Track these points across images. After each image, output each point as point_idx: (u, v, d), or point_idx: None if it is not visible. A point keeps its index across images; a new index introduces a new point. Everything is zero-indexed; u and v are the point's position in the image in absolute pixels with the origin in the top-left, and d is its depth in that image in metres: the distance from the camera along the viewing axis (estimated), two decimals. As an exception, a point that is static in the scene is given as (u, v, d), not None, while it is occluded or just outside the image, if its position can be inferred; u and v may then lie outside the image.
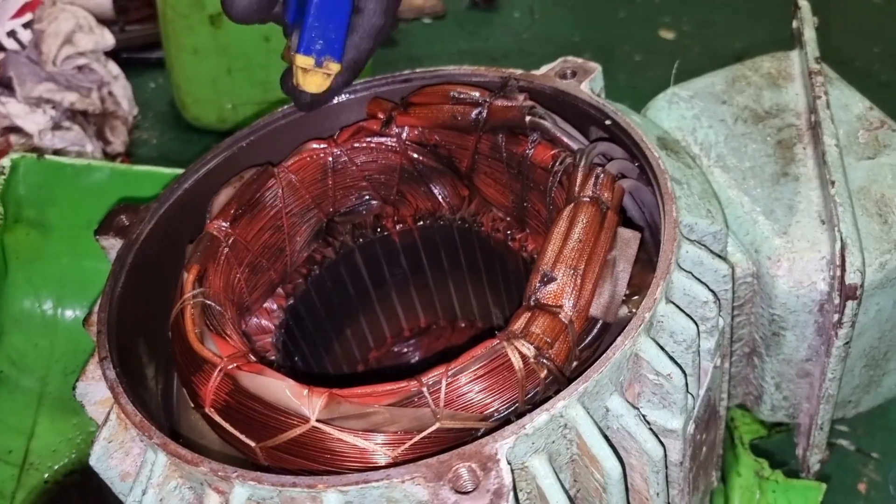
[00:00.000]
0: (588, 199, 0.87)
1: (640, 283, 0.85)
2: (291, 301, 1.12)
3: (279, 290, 1.11)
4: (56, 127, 1.90)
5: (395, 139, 1.12)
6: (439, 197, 1.16)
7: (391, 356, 1.30)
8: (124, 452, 0.85)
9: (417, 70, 1.14)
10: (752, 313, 1.00)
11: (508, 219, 1.11)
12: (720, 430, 1.02)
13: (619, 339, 0.75)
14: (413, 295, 1.28)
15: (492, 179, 1.11)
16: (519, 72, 1.09)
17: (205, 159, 1.06)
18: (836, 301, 0.89)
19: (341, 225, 1.17)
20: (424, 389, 0.77)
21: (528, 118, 1.01)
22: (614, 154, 0.97)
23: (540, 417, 0.71)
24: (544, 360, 0.78)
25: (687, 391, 0.79)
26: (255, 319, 1.07)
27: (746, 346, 1.04)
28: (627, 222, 0.93)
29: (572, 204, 0.87)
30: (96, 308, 0.94)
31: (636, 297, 0.85)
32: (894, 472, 1.29)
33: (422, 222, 1.18)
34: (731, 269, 0.87)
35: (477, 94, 1.06)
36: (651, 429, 0.77)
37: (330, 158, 1.11)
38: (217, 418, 0.84)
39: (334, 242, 1.17)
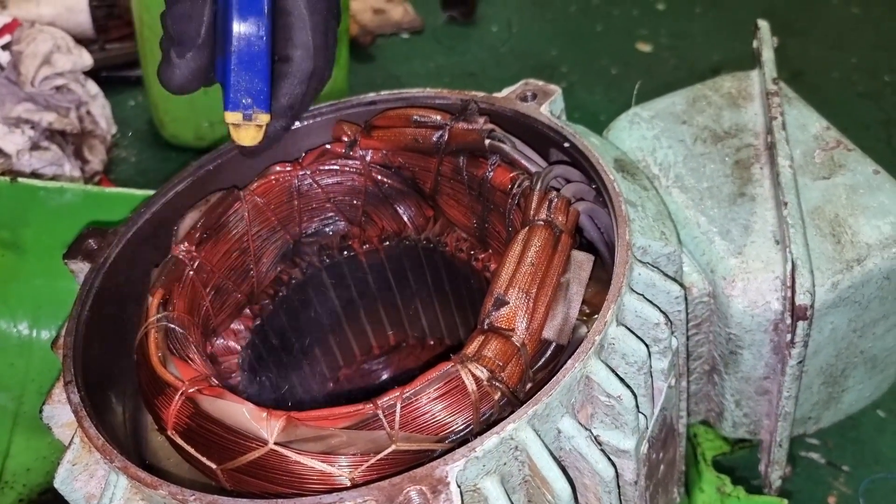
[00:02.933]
0: (542, 223, 0.88)
1: (598, 303, 0.87)
2: (258, 321, 1.13)
3: (246, 310, 1.12)
4: (34, 147, 1.91)
5: (359, 161, 1.14)
6: (404, 217, 1.18)
7: (361, 374, 1.31)
8: (89, 475, 0.87)
9: (382, 93, 1.16)
10: (710, 332, 1.01)
11: (471, 240, 1.13)
12: (680, 447, 1.04)
13: (569, 361, 0.77)
14: (382, 314, 1.29)
15: (454, 201, 1.13)
16: (481, 94, 1.11)
17: (172, 183, 1.08)
18: (788, 321, 0.91)
19: (308, 246, 1.18)
20: (380, 412, 0.79)
21: (487, 141, 1.03)
22: (571, 177, 0.99)
23: (490, 440, 0.72)
24: (497, 383, 0.79)
25: (638, 412, 0.81)
26: (222, 340, 1.08)
27: (706, 363, 1.05)
28: (587, 244, 0.95)
29: (527, 227, 0.89)
30: (63, 332, 0.95)
31: (596, 316, 0.86)
32: (864, 484, 1.31)
33: (388, 242, 1.19)
34: (684, 290, 0.89)
35: (438, 117, 1.08)
36: (602, 449, 0.79)
37: (295, 181, 1.13)
38: (179, 441, 0.85)
39: (301, 263, 1.18)
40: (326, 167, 1.14)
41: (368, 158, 1.13)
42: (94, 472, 0.87)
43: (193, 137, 2.08)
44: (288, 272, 1.17)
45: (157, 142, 2.17)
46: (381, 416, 0.79)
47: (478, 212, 1.10)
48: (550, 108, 1.09)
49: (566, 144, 1.02)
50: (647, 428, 0.86)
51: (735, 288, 0.95)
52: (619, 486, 0.82)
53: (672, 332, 0.87)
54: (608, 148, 1.05)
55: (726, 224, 1.01)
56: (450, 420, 0.80)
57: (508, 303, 0.81)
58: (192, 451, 0.85)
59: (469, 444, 0.72)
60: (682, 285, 0.89)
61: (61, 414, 0.93)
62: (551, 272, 0.85)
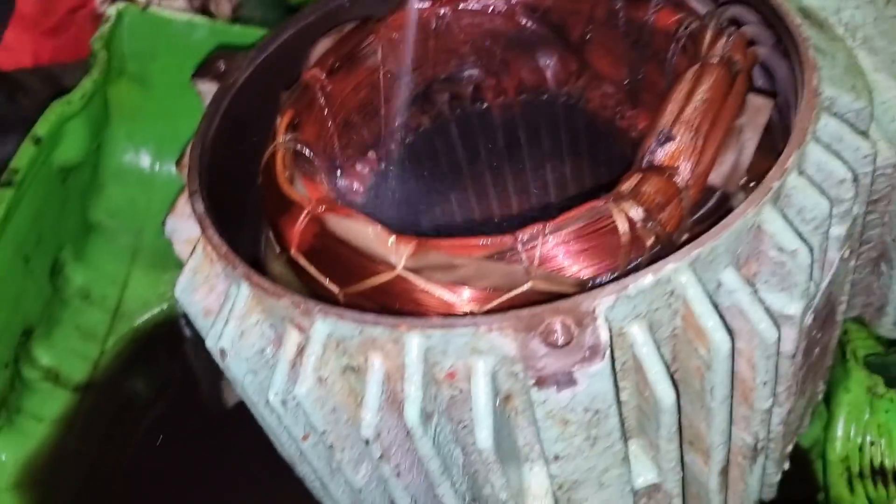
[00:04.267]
0: (716, 61, 0.78)
1: (759, 170, 0.77)
2: (383, 165, 1.08)
3: (370, 153, 1.06)
4: (162, -3, 1.90)
5: (503, 1, 1.04)
6: (546, 69, 1.08)
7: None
8: (209, 288, 0.84)
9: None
10: (886, 212, 0.89)
11: (619, 95, 1.03)
12: (835, 336, 0.94)
13: (741, 206, 0.68)
14: (507, 177, 1.22)
15: (605, 50, 1.02)
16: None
17: (304, 14, 1.02)
18: None
19: (439, 94, 1.11)
20: (519, 245, 0.72)
21: (653, -22, 0.92)
22: (747, 19, 0.87)
23: (645, 279, 0.65)
24: (653, 225, 0.71)
25: (811, 275, 0.71)
26: (345, 181, 1.03)
27: (875, 249, 0.94)
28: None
29: (698, 65, 0.79)
30: (188, 149, 0.92)
31: (752, 184, 0.76)
32: None
33: (524, 96, 1.11)
34: (874, 150, 0.77)
35: (602, -48, 0.97)
36: (767, 308, 0.70)
37: (433, 18, 1.05)
38: (302, 262, 0.82)
39: (431, 111, 1.11)
40: (468, 6, 1.05)
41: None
42: (215, 286, 0.85)
43: None
44: (417, 118, 1.10)
45: (283, 4, 2.12)
46: (521, 249, 0.72)
47: (631, 62, 1.00)
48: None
49: (744, -14, 0.90)
50: (816, 297, 0.76)
51: (931, 158, 0.83)
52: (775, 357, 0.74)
53: (856, 195, 0.76)
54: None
55: (922, 90, 0.87)
56: (593, 264, 0.73)
57: (674, 139, 0.72)
58: (314, 272, 0.81)
59: (622, 281, 0.65)
60: (873, 144, 0.77)
61: (184, 228, 0.90)
62: (724, 113, 0.75)
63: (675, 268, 0.65)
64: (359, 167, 1.05)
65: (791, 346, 0.75)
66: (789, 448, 0.93)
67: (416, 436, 0.69)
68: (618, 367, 0.70)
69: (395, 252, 0.76)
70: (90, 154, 1.27)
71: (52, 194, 1.20)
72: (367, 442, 0.72)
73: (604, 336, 0.63)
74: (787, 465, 0.96)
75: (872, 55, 0.94)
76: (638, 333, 0.67)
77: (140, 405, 1.26)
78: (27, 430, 1.16)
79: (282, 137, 0.89)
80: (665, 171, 0.72)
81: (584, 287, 0.73)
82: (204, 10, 1.97)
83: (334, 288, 0.80)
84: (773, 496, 0.97)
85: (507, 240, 0.73)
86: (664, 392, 0.67)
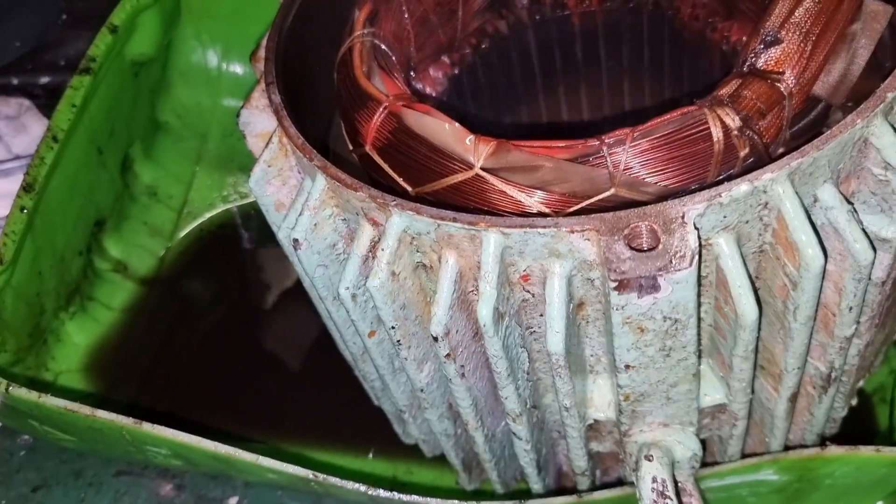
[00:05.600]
0: (834, -39, 0.72)
1: (863, 91, 0.72)
2: (456, 70, 1.05)
3: (444, 58, 1.03)
4: None
5: None
6: (634, -26, 1.03)
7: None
8: (282, 181, 0.84)
9: None
10: None
11: (713, 4, 0.98)
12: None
13: (850, 116, 0.63)
14: (581, 92, 1.17)
15: (701, -44, 0.97)
16: None
17: None
18: None
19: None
20: (605, 148, 0.70)
21: None
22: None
23: (740, 187, 0.62)
24: (750, 133, 0.67)
25: (916, 194, 0.67)
26: (419, 84, 1.01)
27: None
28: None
29: (813, -35, 0.73)
30: (264, 41, 0.90)
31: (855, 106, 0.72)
32: None
33: (609, 3, 1.06)
34: None
35: None
36: (863, 229, 0.66)
37: (520, -86, 1.00)
38: (376, 158, 0.80)
39: (508, 16, 1.07)
40: None
41: None
42: (288, 179, 0.84)
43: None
44: (494, 23, 1.06)
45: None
46: (606, 152, 0.69)
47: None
48: None
49: None
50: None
51: None
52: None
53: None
54: None
55: None
56: (681, 172, 0.69)
57: (782, 42, 0.68)
58: (388, 169, 0.79)
59: (715, 188, 0.62)
60: None
61: (258, 121, 0.89)
62: (837, 17, 0.70)
63: (772, 177, 0.62)
64: (432, 71, 1.03)
65: (883, 273, 0.72)
66: (861, 383, 0.91)
67: (487, 335, 0.68)
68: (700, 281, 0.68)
69: (475, 151, 0.74)
70: (161, 50, 1.27)
71: (125, 87, 1.20)
72: (435, 339, 0.71)
73: (692, 242, 0.60)
74: (854, 402, 0.94)
75: None
76: (725, 245, 0.64)
77: (201, 302, 1.29)
78: (98, 317, 1.20)
79: (360, 31, 0.87)
80: (769, 76, 0.68)
81: (669, 196, 0.70)
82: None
83: (407, 186, 0.79)
84: (836, 432, 0.95)
85: (592, 142, 0.70)
86: (747, 307, 0.65)
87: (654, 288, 0.60)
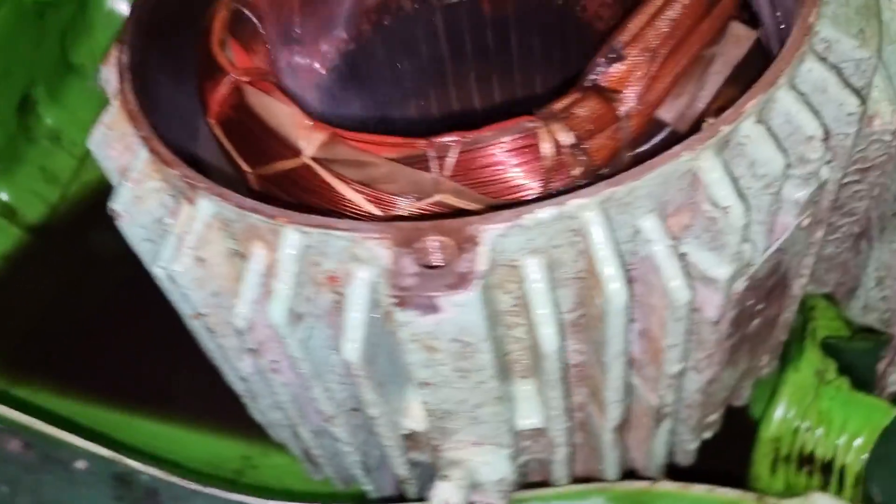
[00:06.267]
0: (702, -24, 0.68)
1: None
2: (352, 46, 1.00)
3: (339, 31, 0.99)
4: None
5: None
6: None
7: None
8: (124, 146, 0.80)
9: None
10: (876, 184, 0.80)
11: (617, 5, 0.93)
12: (788, 310, 0.86)
13: (677, 147, 0.59)
14: (494, 82, 1.13)
15: (610, -48, 0.92)
16: None
17: None
18: None
19: (429, -24, 1.02)
20: (432, 151, 0.66)
21: None
22: (763, -62, 0.76)
23: (545, 211, 0.58)
24: (579, 154, 0.63)
25: (745, 237, 0.64)
26: (304, 59, 0.96)
27: (858, 224, 0.84)
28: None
29: (681, -21, 0.69)
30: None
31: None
32: None
33: (519, -10, 1.01)
34: (864, 108, 0.67)
35: None
36: (685, 267, 0.63)
37: None
38: (218, 132, 0.76)
39: (415, -7, 1.02)
40: None
41: None
42: (131, 146, 0.80)
43: None
44: (398, 2, 1.02)
45: None
46: (434, 156, 0.66)
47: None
48: None
49: None
50: (753, 264, 0.68)
51: (931, 131, 0.72)
52: (690, 320, 0.67)
53: (828, 158, 0.67)
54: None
55: (953, 52, 0.76)
56: (511, 184, 0.66)
57: (625, 59, 0.63)
58: (229, 146, 0.76)
59: (517, 209, 0.58)
60: (862, 101, 0.67)
61: (116, 79, 0.85)
62: (694, 38, 0.65)
63: (581, 204, 0.58)
64: (324, 46, 0.98)
65: (714, 313, 0.68)
66: (712, 417, 0.87)
67: (281, 335, 0.65)
68: (512, 302, 0.64)
69: (307, 138, 0.70)
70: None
71: (24, 28, 1.15)
72: (239, 333, 0.68)
73: (480, 265, 0.56)
74: (707, 434, 0.91)
75: (908, 2, 0.82)
76: (531, 268, 0.61)
77: (93, 257, 1.25)
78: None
79: (228, -4, 0.82)
80: (606, 95, 0.64)
81: (498, 209, 0.67)
82: None
83: (247, 167, 0.75)
84: (692, 462, 0.92)
85: (419, 144, 0.66)
86: (546, 336, 0.61)
87: (435, 309, 0.56)
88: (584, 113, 0.63)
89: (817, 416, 0.91)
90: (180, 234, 0.68)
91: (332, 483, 0.94)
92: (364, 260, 0.62)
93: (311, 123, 0.70)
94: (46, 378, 1.13)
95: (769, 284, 0.75)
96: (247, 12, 0.82)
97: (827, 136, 0.64)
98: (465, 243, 0.57)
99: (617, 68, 0.64)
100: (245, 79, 0.75)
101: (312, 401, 0.74)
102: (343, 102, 1.01)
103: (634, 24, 0.65)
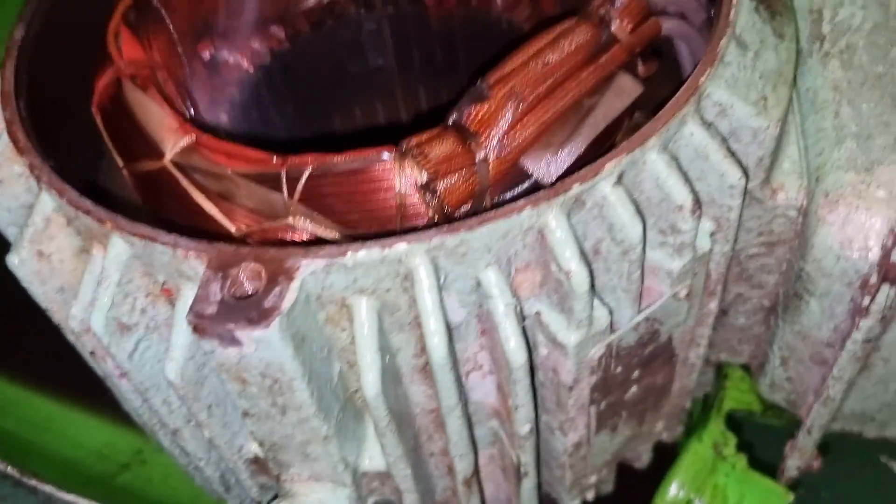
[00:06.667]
0: (593, 20, 0.63)
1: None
2: (287, 47, 0.97)
3: (274, 29, 0.96)
4: None
5: None
6: (494, -15, 0.94)
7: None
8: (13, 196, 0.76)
9: None
10: (783, 260, 0.74)
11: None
12: (686, 378, 0.81)
13: (521, 201, 0.55)
14: (443, 94, 1.09)
15: (551, -20, 0.87)
16: None
17: None
18: (873, 280, 0.63)
19: (377, -17, 0.98)
20: (283, 172, 0.62)
21: None
22: (686, -16, 0.71)
23: (366, 252, 0.54)
24: (429, 195, 0.60)
25: (596, 304, 0.59)
26: (231, 55, 0.93)
27: (767, 298, 0.79)
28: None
29: (576, 18, 0.64)
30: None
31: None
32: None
33: (465, 10, 0.97)
34: (745, 180, 0.62)
35: None
36: (523, 328, 0.59)
37: None
38: (98, 121, 0.74)
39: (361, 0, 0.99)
40: None
41: None
42: None
43: None
44: (342, 5, 0.98)
45: None
46: (284, 176, 0.62)
47: (566, 3, 0.84)
48: None
49: (710, -56, 0.73)
50: (612, 331, 0.64)
51: (834, 212, 0.66)
52: (546, 381, 0.63)
53: (709, 229, 0.62)
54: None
55: (872, 128, 0.70)
56: (362, 217, 0.62)
57: (487, 98, 0.59)
58: (105, 136, 0.73)
59: (340, 247, 0.54)
60: (746, 174, 0.62)
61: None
62: (572, 84, 0.61)
63: (407, 249, 0.54)
64: (254, 43, 0.95)
65: (567, 378, 0.64)
66: (591, 479, 0.83)
67: (105, 346, 0.62)
68: (348, 340, 0.61)
69: (170, 141, 0.67)
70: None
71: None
72: (75, 335, 0.66)
73: (287, 301, 0.53)
74: (591, 495, 0.86)
75: (843, 69, 0.76)
76: (358, 309, 0.57)
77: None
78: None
79: (138, -17, 0.80)
80: (465, 135, 0.60)
81: (352, 239, 0.63)
82: None
83: (119, 161, 0.73)
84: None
85: (274, 162, 0.63)
86: (367, 381, 0.58)
87: (235, 342, 0.53)
88: (437, 152, 0.59)
89: (712, 489, 0.86)
90: (27, 224, 0.66)
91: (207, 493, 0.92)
92: (190, 277, 0.59)
93: (177, 126, 0.67)
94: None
95: (645, 353, 0.71)
96: (154, 2, 0.79)
97: (697, 204, 0.59)
98: (281, 275, 0.54)
99: (480, 109, 0.60)
100: (127, 72, 0.72)
101: (156, 412, 0.72)
102: (271, 103, 0.98)
103: (507, 65, 0.61)
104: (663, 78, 0.72)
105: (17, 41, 0.75)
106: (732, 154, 0.62)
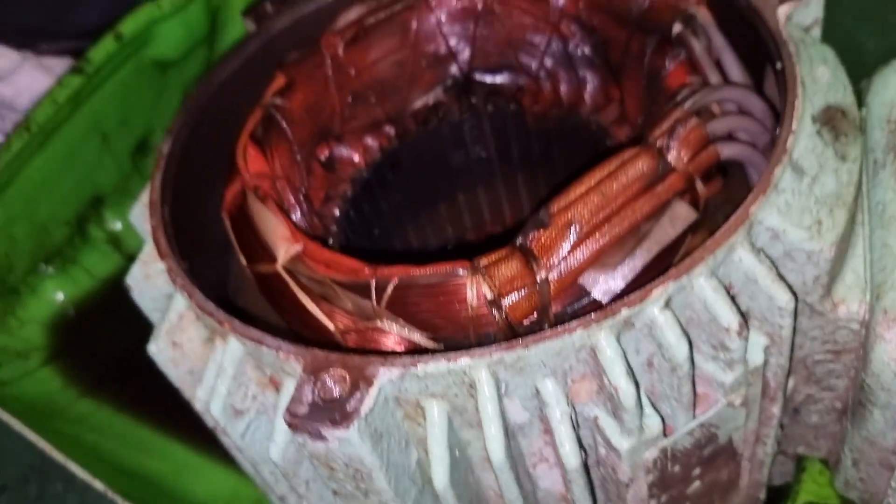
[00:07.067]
0: (652, 150, 0.69)
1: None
2: (395, 144, 1.08)
3: (385, 129, 1.06)
4: None
5: (553, 7, 0.97)
6: (585, 89, 1.01)
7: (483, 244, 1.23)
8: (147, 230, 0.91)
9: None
10: (853, 367, 0.76)
11: (634, 139, 0.94)
12: (755, 472, 0.83)
13: (573, 322, 0.62)
14: (541, 184, 1.16)
15: (634, 88, 0.93)
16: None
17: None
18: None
19: (478, 85, 1.08)
20: (372, 283, 0.72)
21: (676, 28, 0.81)
22: (752, 108, 0.76)
23: (434, 364, 0.62)
24: (497, 309, 0.67)
25: (641, 413, 0.65)
26: (346, 150, 1.05)
27: (839, 400, 0.80)
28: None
29: (636, 148, 0.71)
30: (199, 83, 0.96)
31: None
32: None
33: (557, 112, 1.04)
34: (795, 302, 0.66)
35: (649, -18, 0.87)
36: (576, 431, 0.65)
37: (479, 5, 1.01)
38: (227, 224, 0.86)
39: (464, 99, 1.08)
40: (515, 2, 0.99)
41: (560, 5, 0.96)
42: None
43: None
44: (446, 104, 1.08)
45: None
46: (373, 286, 0.72)
47: (647, 110, 0.90)
48: (798, 14, 0.82)
49: (778, 66, 0.77)
50: (667, 436, 0.69)
51: (892, 330, 0.68)
52: (587, 477, 0.69)
53: (764, 344, 0.66)
54: (836, 88, 0.77)
55: (941, 246, 0.71)
56: (441, 324, 0.71)
57: (547, 226, 0.67)
58: (233, 238, 0.86)
59: (415, 357, 0.63)
60: (795, 296, 0.66)
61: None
62: (628, 212, 0.67)
63: (471, 363, 0.62)
64: (368, 140, 1.06)
65: (623, 476, 0.69)
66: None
67: (222, 427, 0.74)
68: (424, 434, 0.69)
69: (283, 249, 0.78)
70: (192, 52, 1.38)
71: (144, 83, 1.33)
72: (200, 413, 0.78)
73: (366, 406, 0.62)
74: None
75: (914, 183, 0.78)
76: (430, 410, 0.66)
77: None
78: (78, 280, 1.35)
79: (268, 100, 0.93)
80: (529, 257, 0.67)
81: (435, 340, 0.72)
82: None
83: (243, 261, 0.85)
84: None
85: (364, 273, 0.73)
86: (436, 474, 0.66)
87: (321, 437, 0.63)
88: (504, 272, 0.67)
89: (786, 583, 0.88)
90: (164, 318, 0.79)
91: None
92: (291, 374, 0.69)
93: (289, 236, 0.78)
94: (110, 395, 1.29)
95: (705, 453, 0.74)
96: (277, 116, 0.92)
97: (744, 326, 0.64)
98: (362, 381, 0.63)
99: (543, 234, 0.67)
100: (251, 184, 0.84)
101: (265, 480, 0.82)
102: (380, 195, 1.09)
103: (570, 194, 0.68)
104: (733, 191, 0.77)
105: (165, 155, 0.89)
106: (782, 278, 0.66)
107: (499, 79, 1.07)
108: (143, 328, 1.32)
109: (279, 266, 0.78)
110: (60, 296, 1.34)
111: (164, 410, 1.26)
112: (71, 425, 1.16)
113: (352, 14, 1.00)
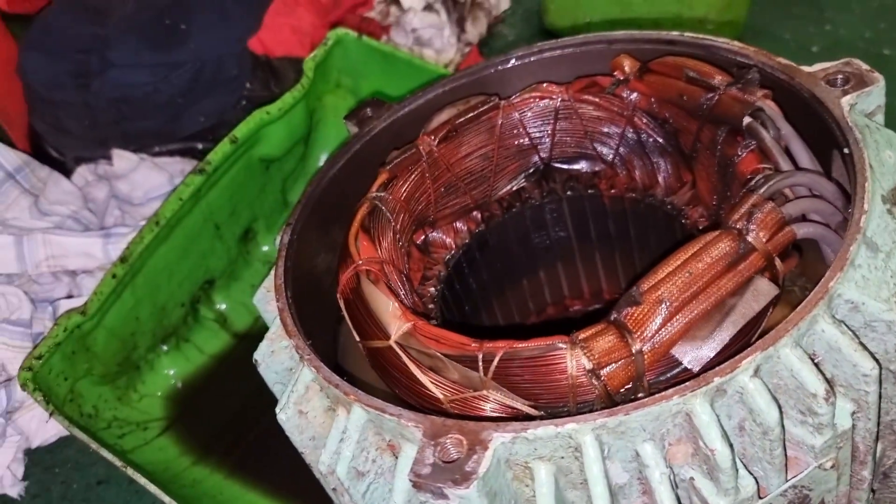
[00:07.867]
0: (734, 232, 0.76)
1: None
2: (482, 227, 1.17)
3: (475, 213, 1.16)
4: (427, 7, 2.11)
5: (624, 102, 1.07)
6: (659, 174, 1.09)
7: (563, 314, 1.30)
8: (273, 309, 1.02)
9: (686, 34, 1.05)
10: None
11: (708, 221, 1.01)
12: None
13: (670, 390, 0.69)
14: (617, 261, 1.24)
15: (705, 173, 1.01)
16: (784, 62, 0.95)
17: (443, 82, 1.13)
18: None
19: (558, 173, 1.17)
20: (479, 356, 0.80)
21: (746, 120, 0.90)
22: (823, 191, 0.83)
23: (543, 429, 0.69)
24: (595, 379, 0.74)
25: (736, 474, 0.70)
26: (440, 234, 1.14)
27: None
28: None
29: (718, 231, 0.78)
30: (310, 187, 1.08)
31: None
32: None
33: (633, 195, 1.12)
34: (879, 369, 0.71)
35: (718, 78, 0.96)
36: (674, 491, 0.70)
37: (558, 103, 1.11)
38: (342, 306, 0.96)
39: (544, 186, 1.17)
40: (590, 98, 1.09)
41: (633, 100, 1.06)
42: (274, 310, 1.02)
43: (570, 28, 2.10)
44: (528, 190, 1.17)
45: (538, 26, 2.23)
46: (480, 360, 0.80)
47: (720, 193, 0.98)
48: (860, 102, 0.90)
49: (845, 151, 0.84)
50: (761, 497, 0.73)
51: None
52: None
53: (850, 409, 0.71)
54: (900, 169, 0.84)
55: None
56: (542, 393, 0.78)
57: (640, 303, 0.74)
58: (347, 318, 0.95)
59: (524, 423, 0.70)
60: (878, 364, 0.71)
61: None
62: (714, 289, 0.74)
63: (577, 428, 0.69)
64: (459, 224, 1.16)
65: (723, 539, 0.74)
66: None
67: (346, 487, 0.81)
68: (531, 494, 0.75)
69: (395, 326, 0.87)
70: (292, 149, 1.53)
71: (252, 179, 1.47)
72: (322, 476, 0.86)
73: (483, 467, 0.69)
74: None
75: None
76: (538, 472, 0.72)
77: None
78: (190, 357, 1.47)
79: (371, 194, 1.04)
80: (623, 331, 0.74)
81: (536, 408, 0.79)
82: (459, 23, 2.17)
83: (357, 338, 0.94)
84: None
85: (473, 347, 0.81)
86: (545, 533, 0.72)
87: (443, 496, 0.70)
88: (601, 345, 0.74)
89: None
90: (291, 389, 0.88)
91: None
92: (409, 439, 0.77)
93: (401, 314, 0.87)
94: (223, 461, 1.39)
95: (799, 514, 0.79)
96: (382, 207, 1.02)
97: (831, 393, 0.69)
98: (478, 445, 0.71)
99: (635, 311, 0.74)
100: (363, 268, 0.94)
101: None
102: (470, 274, 1.18)
103: (658, 273, 0.75)
104: (808, 265, 0.83)
105: (285, 244, 1.00)
106: (864, 347, 0.71)
107: (576, 166, 1.16)
108: (247, 399, 1.43)
109: (392, 341, 0.87)
110: (173, 371, 1.45)
111: (270, 475, 1.35)
112: (187, 490, 1.25)
113: (443, 115, 1.11)
